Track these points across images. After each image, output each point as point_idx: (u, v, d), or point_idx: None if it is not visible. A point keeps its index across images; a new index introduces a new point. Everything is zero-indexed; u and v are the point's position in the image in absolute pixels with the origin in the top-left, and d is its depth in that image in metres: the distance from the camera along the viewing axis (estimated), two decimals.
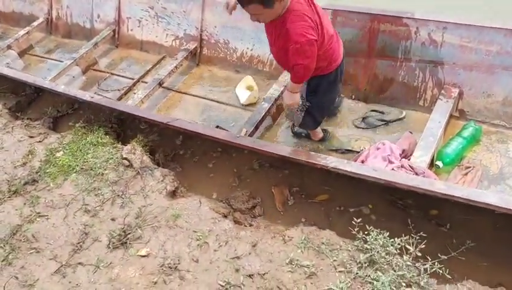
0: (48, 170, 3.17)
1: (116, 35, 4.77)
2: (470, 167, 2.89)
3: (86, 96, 3.62)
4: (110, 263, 2.52)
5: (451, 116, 3.22)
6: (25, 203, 2.97)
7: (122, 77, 4.42)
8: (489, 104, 3.19)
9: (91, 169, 3.11)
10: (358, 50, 3.55)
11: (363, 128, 3.39)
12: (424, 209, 2.74)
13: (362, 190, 2.84)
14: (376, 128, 3.36)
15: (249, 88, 3.86)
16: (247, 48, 4.11)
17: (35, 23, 5.10)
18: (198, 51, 4.33)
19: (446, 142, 3.05)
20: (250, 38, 4.07)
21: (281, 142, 3.40)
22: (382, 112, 3.43)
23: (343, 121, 3.48)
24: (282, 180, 3.10)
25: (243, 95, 3.80)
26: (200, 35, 4.29)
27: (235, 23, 4.08)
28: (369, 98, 3.60)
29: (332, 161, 2.66)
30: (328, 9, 3.61)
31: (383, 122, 3.37)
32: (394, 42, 3.42)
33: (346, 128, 3.42)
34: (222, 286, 2.31)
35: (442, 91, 3.27)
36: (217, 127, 3.15)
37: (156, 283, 2.38)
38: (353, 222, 2.34)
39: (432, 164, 2.91)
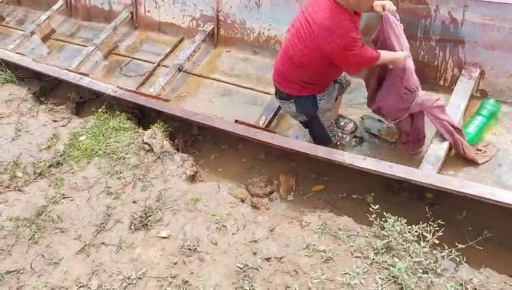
0: (71, 153, 3.20)
1: (135, 17, 4.73)
2: (481, 150, 2.82)
3: (109, 90, 3.62)
4: (132, 244, 2.55)
5: (472, 96, 3.11)
6: (49, 185, 3.00)
7: (143, 61, 4.40)
8: None
9: (113, 153, 3.13)
10: (376, 29, 3.43)
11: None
12: (419, 193, 2.72)
13: (360, 177, 2.81)
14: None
15: None
16: (264, 28, 4.03)
17: (55, 7, 5.08)
18: (216, 32, 4.26)
19: (466, 122, 2.97)
20: (266, 18, 3.98)
21: (297, 131, 3.35)
22: None
23: None
24: (290, 170, 3.09)
25: None
26: (217, 15, 4.22)
27: (250, 2, 4.00)
28: None
29: (349, 158, 2.65)
30: None
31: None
32: (413, 21, 3.29)
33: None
34: (240, 268, 2.31)
35: (463, 71, 3.16)
36: (236, 121, 3.11)
37: (176, 263, 2.40)
38: (370, 209, 2.29)
39: (450, 148, 2.83)
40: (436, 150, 2.72)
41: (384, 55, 2.63)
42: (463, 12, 3.09)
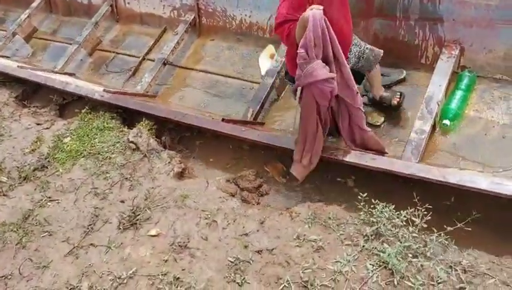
0: (56, 156, 3.12)
1: (115, 10, 4.57)
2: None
3: (96, 94, 3.50)
4: (121, 244, 2.48)
5: (453, 72, 3.03)
6: (35, 189, 2.92)
7: (128, 55, 4.28)
8: (491, 59, 2.99)
9: (99, 153, 3.04)
10: (357, 10, 3.31)
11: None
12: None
13: None
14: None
15: (272, 57, 3.65)
16: (245, 15, 3.90)
17: (34, 4, 4.90)
18: (197, 21, 4.12)
19: (447, 98, 2.90)
20: (247, 4, 3.86)
21: (286, 120, 3.24)
22: (382, 75, 3.24)
23: None
24: (276, 158, 3.00)
25: (265, 66, 3.58)
26: (197, 4, 4.08)
27: None
28: None
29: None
30: None
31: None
32: (392, 1, 3.19)
33: None
34: (231, 262, 2.26)
35: (443, 49, 3.08)
36: (223, 120, 3.01)
37: (166, 261, 2.34)
38: (359, 197, 2.23)
39: (434, 127, 2.77)
40: (419, 129, 2.66)
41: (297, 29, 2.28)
42: None
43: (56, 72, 3.95)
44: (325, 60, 2.21)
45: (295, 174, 2.57)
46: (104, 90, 3.50)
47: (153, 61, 3.94)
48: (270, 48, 3.73)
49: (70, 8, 4.91)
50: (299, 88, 2.33)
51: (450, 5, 2.99)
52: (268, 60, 3.62)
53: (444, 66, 2.98)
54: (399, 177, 2.48)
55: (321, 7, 2.13)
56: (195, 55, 4.01)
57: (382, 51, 2.84)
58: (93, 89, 3.57)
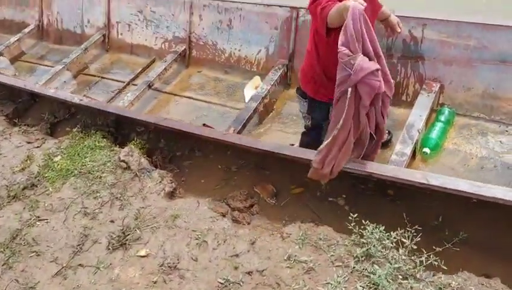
0: (46, 175, 3.02)
1: (107, 40, 4.59)
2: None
3: (75, 99, 3.46)
4: (110, 264, 2.39)
5: (432, 110, 3.13)
6: (24, 208, 2.82)
7: (113, 80, 4.26)
8: (470, 97, 3.12)
9: (89, 172, 2.97)
10: None
11: None
12: (381, 190, 2.68)
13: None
14: None
15: (257, 88, 3.68)
16: (235, 49, 3.99)
17: (26, 30, 4.89)
18: (187, 53, 4.18)
19: (427, 129, 2.99)
20: (237, 39, 3.95)
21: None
22: None
23: None
24: (265, 178, 2.99)
25: (249, 95, 3.62)
26: (189, 37, 4.15)
27: (222, 24, 3.96)
28: None
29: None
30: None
31: None
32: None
33: None
34: (221, 283, 2.20)
35: (424, 86, 3.19)
36: (204, 125, 3.01)
37: (156, 282, 2.27)
38: (349, 217, 2.23)
39: (414, 155, 2.84)
40: (399, 157, 2.70)
41: (337, 6, 2.10)
42: (422, 30, 3.14)
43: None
44: (366, 53, 2.10)
45: (314, 177, 2.43)
46: (84, 96, 3.47)
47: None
48: (257, 79, 3.81)
49: (62, 37, 4.90)
50: (350, 88, 2.12)
51: (431, 45, 3.13)
52: (253, 90, 3.69)
53: (425, 101, 3.08)
54: (387, 195, 2.49)
55: (364, 3, 2.01)
56: (181, 84, 4.04)
57: None
58: (72, 95, 3.54)
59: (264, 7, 3.75)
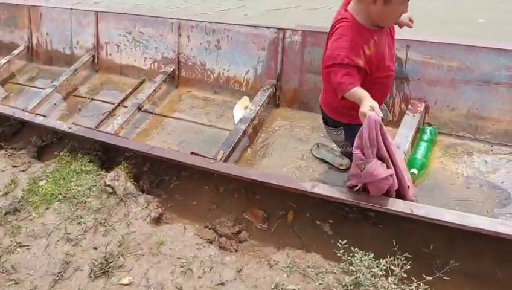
0: (30, 199, 2.86)
1: (96, 61, 4.46)
2: None
3: (64, 127, 3.30)
4: None
5: (418, 129, 3.05)
6: (5, 234, 2.65)
7: (103, 102, 4.11)
8: (454, 117, 3.04)
9: (74, 197, 2.81)
10: None
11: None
12: (363, 213, 2.57)
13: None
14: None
15: (246, 108, 3.58)
16: (224, 69, 3.88)
17: (15, 51, 4.73)
18: (177, 73, 4.07)
19: (413, 150, 2.90)
20: (225, 59, 3.85)
21: (257, 163, 3.16)
22: None
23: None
24: (251, 204, 2.86)
25: (238, 116, 3.51)
26: (177, 57, 4.04)
27: (210, 45, 3.87)
28: None
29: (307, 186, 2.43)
30: (297, 30, 3.45)
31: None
32: None
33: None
34: None
35: (409, 106, 3.11)
36: (192, 153, 2.88)
37: None
38: (338, 244, 2.11)
39: None
40: None
41: (356, 91, 2.02)
42: (406, 52, 3.07)
43: (27, 112, 3.73)
44: (380, 158, 2.12)
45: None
46: (72, 124, 3.32)
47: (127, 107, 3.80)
48: (245, 100, 3.71)
49: (52, 57, 4.76)
50: (359, 185, 2.24)
51: (415, 66, 3.06)
52: (242, 110, 3.58)
53: (410, 120, 2.98)
54: (369, 217, 2.38)
55: (381, 114, 1.99)
56: (171, 104, 3.92)
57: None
58: (62, 123, 3.38)
59: (251, 28, 3.67)
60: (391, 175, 2.13)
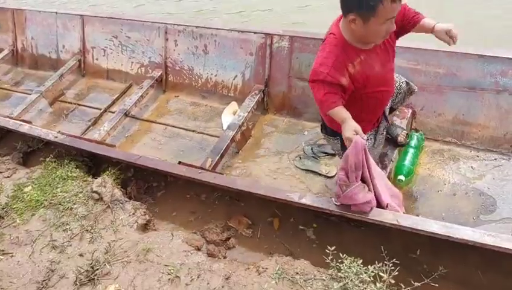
0: (14, 206, 2.82)
1: (82, 65, 4.42)
2: None
3: (50, 135, 3.24)
4: None
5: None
6: None
7: (89, 107, 4.07)
8: (441, 122, 3.07)
9: (60, 204, 2.77)
10: None
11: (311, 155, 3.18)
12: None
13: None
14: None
15: (234, 113, 3.57)
16: (212, 74, 3.87)
17: (0, 55, 4.66)
18: (164, 78, 4.05)
19: (400, 157, 2.90)
20: (213, 64, 3.84)
21: (247, 172, 3.15)
22: None
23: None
24: (236, 210, 2.86)
25: (227, 121, 3.49)
26: (165, 62, 4.02)
27: (197, 50, 3.86)
28: None
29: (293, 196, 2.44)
30: (285, 35, 3.46)
31: (325, 155, 3.18)
32: None
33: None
34: None
35: (396, 112, 3.12)
36: (180, 163, 2.86)
37: None
38: (327, 251, 2.11)
39: None
40: None
41: (338, 111, 2.03)
42: None
43: (12, 118, 3.67)
44: (363, 179, 2.16)
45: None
46: (58, 132, 3.26)
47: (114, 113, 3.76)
48: (234, 105, 3.70)
49: (37, 62, 4.70)
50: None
51: (402, 72, 3.03)
52: (231, 116, 3.57)
53: None
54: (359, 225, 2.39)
55: (365, 137, 2.02)
56: (159, 110, 3.90)
57: (416, 87, 2.75)
58: (48, 132, 3.31)
59: (238, 33, 3.67)
60: (370, 201, 2.19)
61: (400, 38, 2.29)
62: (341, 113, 2.03)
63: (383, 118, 2.50)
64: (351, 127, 1.98)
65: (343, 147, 2.39)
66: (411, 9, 2.23)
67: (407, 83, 2.68)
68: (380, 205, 2.24)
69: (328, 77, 2.01)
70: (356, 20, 1.92)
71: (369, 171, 2.14)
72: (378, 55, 2.14)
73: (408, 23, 2.21)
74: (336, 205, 2.32)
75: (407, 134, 2.90)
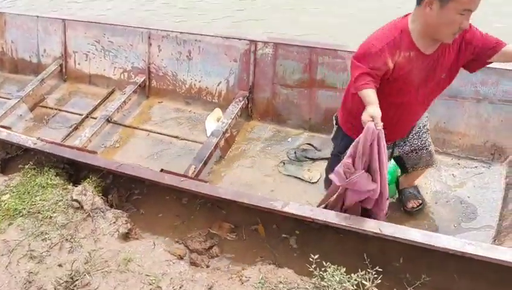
0: None
1: (64, 70, 4.35)
2: None
3: (29, 142, 3.15)
4: None
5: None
6: None
7: (71, 113, 4.00)
8: None
9: (39, 212, 2.70)
10: (301, 80, 3.43)
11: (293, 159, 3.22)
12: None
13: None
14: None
15: (218, 120, 3.55)
16: (196, 80, 3.86)
17: None
18: (147, 83, 4.01)
19: None
20: (197, 70, 3.83)
21: (230, 179, 3.14)
22: (315, 148, 3.29)
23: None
24: (218, 217, 2.84)
25: (211, 128, 3.47)
26: (148, 67, 3.99)
27: (181, 56, 3.84)
28: (314, 127, 3.46)
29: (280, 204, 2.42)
30: (269, 42, 3.47)
31: (308, 159, 3.21)
32: (332, 73, 3.31)
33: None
34: None
35: None
36: (162, 170, 2.83)
37: None
38: (310, 259, 2.10)
39: None
40: None
41: (368, 94, 1.93)
42: None
43: None
44: (369, 169, 2.09)
45: None
46: (38, 139, 3.17)
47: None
48: (218, 112, 3.69)
49: (18, 66, 4.60)
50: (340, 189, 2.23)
51: None
52: (214, 122, 3.56)
53: None
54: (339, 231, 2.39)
55: (380, 126, 1.92)
56: (142, 116, 3.86)
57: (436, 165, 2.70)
58: (27, 138, 3.21)
59: (222, 39, 3.66)
60: (373, 190, 2.13)
61: None
62: (370, 96, 1.93)
63: (390, 145, 2.40)
64: (369, 112, 1.91)
65: (333, 137, 2.47)
66: (492, 36, 2.04)
67: (431, 154, 2.57)
68: (382, 197, 2.19)
69: (378, 52, 1.91)
70: (433, 4, 1.81)
71: (379, 161, 2.06)
72: (427, 66, 2.01)
73: (488, 49, 2.01)
74: (319, 212, 2.32)
75: (421, 203, 2.74)
